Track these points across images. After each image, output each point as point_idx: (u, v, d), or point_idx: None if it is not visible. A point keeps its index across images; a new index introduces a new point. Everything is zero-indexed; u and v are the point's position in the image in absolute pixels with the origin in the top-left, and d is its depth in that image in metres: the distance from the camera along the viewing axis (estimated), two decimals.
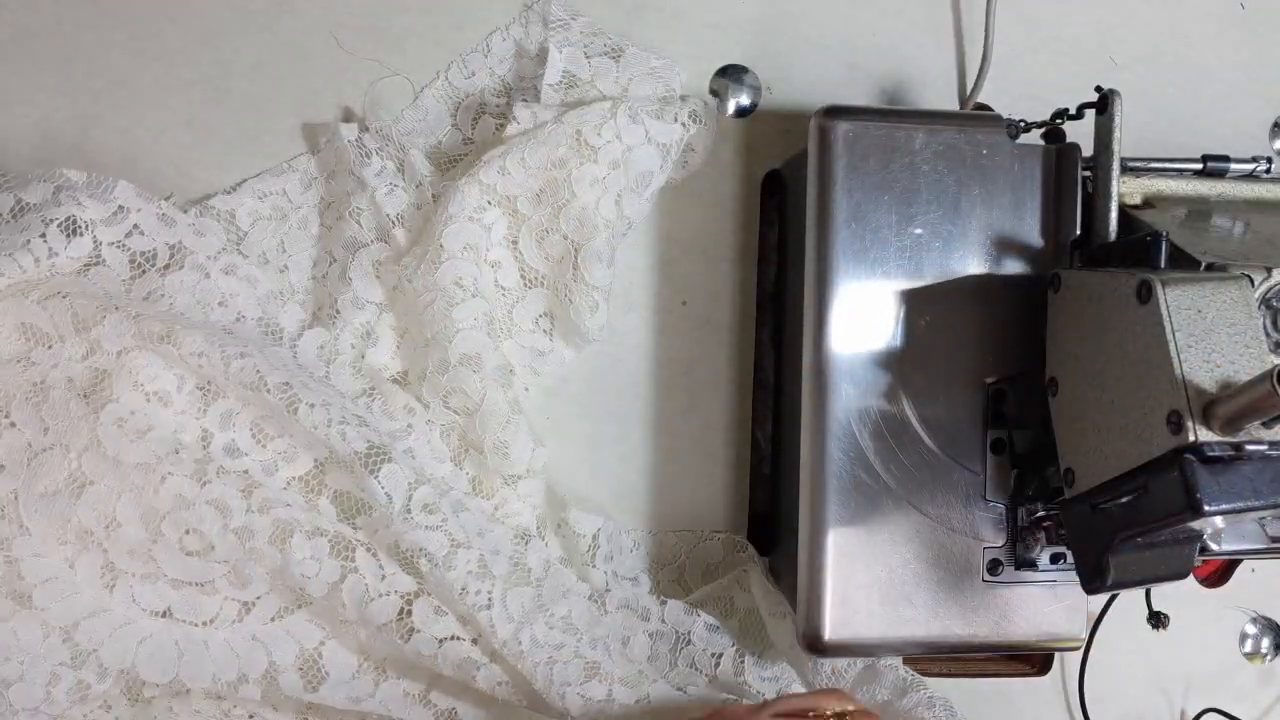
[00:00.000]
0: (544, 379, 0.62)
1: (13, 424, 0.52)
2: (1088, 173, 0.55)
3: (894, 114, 0.56)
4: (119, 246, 0.55)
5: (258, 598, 0.55)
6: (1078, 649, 0.59)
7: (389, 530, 0.54)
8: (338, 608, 0.54)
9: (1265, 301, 0.48)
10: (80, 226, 0.54)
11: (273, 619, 0.55)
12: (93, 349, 0.53)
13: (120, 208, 0.56)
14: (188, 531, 0.54)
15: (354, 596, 0.54)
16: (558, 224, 0.59)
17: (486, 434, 0.58)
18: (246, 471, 0.55)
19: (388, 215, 0.59)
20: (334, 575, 0.54)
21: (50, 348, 0.53)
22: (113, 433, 0.52)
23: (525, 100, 0.60)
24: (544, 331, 0.61)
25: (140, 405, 0.54)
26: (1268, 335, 0.48)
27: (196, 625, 0.54)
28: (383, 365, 0.60)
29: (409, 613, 0.55)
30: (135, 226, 0.56)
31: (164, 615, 0.54)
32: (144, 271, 0.56)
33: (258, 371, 0.54)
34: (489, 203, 0.58)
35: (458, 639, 0.55)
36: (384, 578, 0.55)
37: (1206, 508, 0.41)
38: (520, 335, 0.60)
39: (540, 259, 0.60)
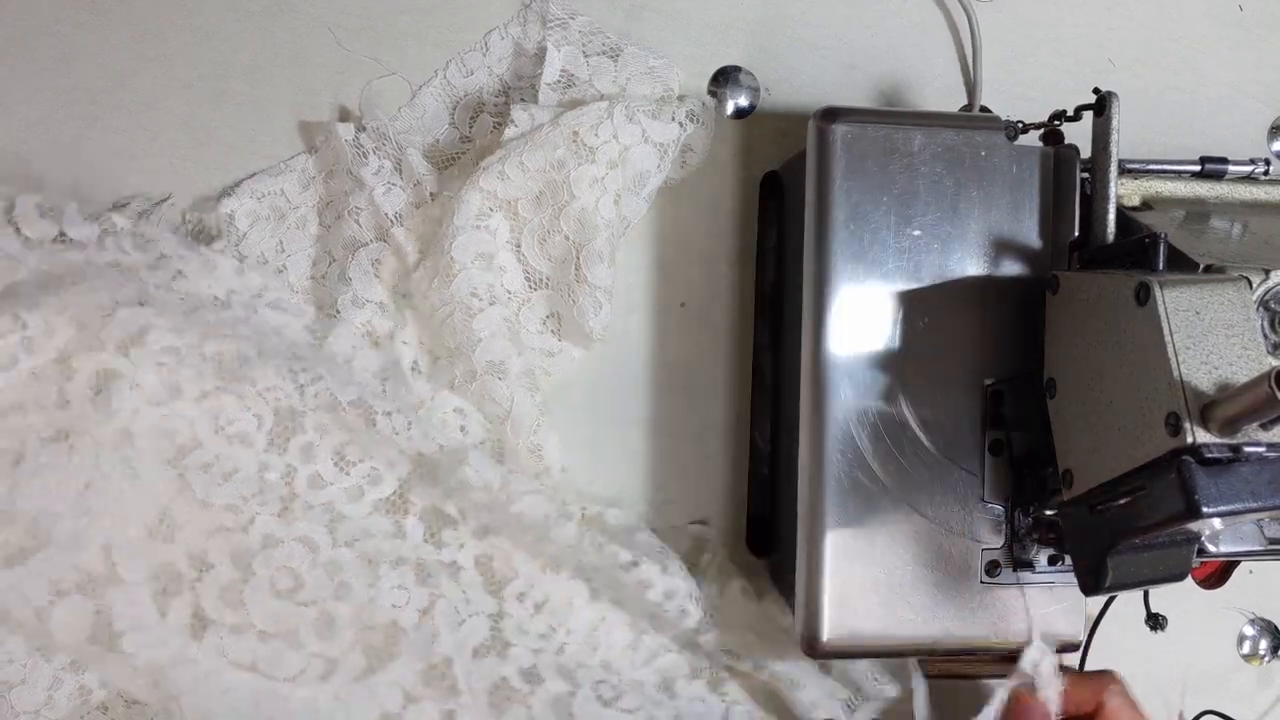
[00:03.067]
0: (549, 380, 0.61)
1: (102, 473, 0.53)
2: (1086, 174, 0.55)
3: (892, 115, 0.56)
4: (166, 290, 0.56)
5: (343, 653, 0.54)
6: (1076, 650, 0.59)
7: (491, 514, 0.54)
8: (429, 641, 0.54)
9: (1263, 303, 0.48)
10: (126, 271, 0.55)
11: (356, 679, 0.55)
12: (172, 394, 0.54)
13: (162, 255, 0.56)
14: (278, 569, 0.54)
15: (446, 620, 0.54)
16: (559, 225, 0.59)
17: (520, 439, 0.58)
18: (330, 503, 0.55)
19: (386, 214, 0.59)
20: (423, 602, 0.55)
21: (133, 393, 0.54)
22: (199, 479, 0.53)
23: (523, 102, 0.60)
24: (551, 332, 0.61)
25: (224, 449, 0.54)
26: (1265, 337, 0.48)
27: (279, 680, 0.54)
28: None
29: (499, 629, 0.55)
30: (179, 272, 0.57)
31: (249, 669, 0.54)
32: (196, 309, 0.56)
33: (331, 393, 0.54)
34: (491, 209, 0.58)
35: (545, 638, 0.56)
36: (468, 601, 0.55)
37: (1205, 510, 0.41)
38: (529, 337, 0.60)
39: (543, 261, 0.60)
